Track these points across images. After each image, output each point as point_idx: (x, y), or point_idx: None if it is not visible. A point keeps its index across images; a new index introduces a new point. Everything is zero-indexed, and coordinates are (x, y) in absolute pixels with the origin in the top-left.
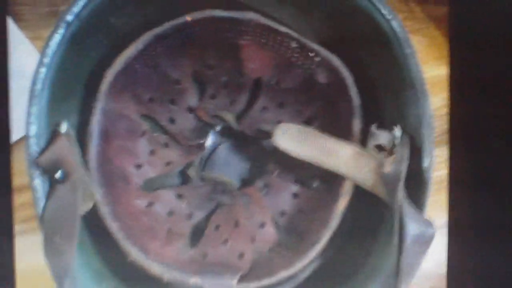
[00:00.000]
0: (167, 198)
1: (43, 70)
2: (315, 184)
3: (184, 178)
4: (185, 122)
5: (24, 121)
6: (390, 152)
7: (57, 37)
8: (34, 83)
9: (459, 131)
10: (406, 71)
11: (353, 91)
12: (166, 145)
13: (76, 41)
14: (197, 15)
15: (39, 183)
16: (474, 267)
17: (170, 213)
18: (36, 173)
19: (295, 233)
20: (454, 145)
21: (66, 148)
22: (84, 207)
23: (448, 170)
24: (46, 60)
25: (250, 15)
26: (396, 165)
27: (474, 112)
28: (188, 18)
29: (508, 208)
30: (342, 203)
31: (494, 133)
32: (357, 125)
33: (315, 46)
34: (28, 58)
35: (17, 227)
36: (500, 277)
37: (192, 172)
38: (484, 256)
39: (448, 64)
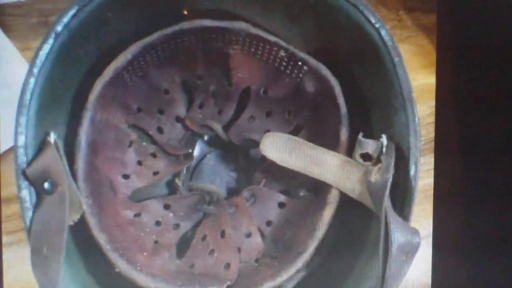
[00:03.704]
0: (154, 209)
1: (32, 80)
2: (302, 193)
3: (172, 188)
4: (173, 132)
5: (12, 131)
6: (377, 161)
7: (46, 48)
8: (23, 93)
9: (445, 139)
10: (394, 79)
11: (341, 100)
12: (153, 155)
13: (66, 52)
14: (186, 24)
15: (27, 194)
16: (459, 277)
17: (157, 223)
18: (24, 184)
19: (281, 243)
20: (440, 153)
21: (54, 158)
22: (72, 218)
23: (434, 179)
24: (35, 70)
25: (240, 25)
26: (382, 173)
27: (461, 121)
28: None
29: (493, 218)
30: (328, 212)
31: (481, 142)
32: (344, 133)
33: (303, 55)
34: (17, 68)
35: (5, 239)
36: (484, 287)
37: (179, 182)
38: (469, 266)
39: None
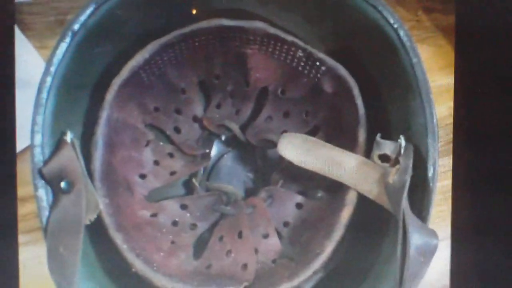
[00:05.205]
0: (171, 209)
1: (48, 79)
2: (319, 194)
3: (189, 188)
4: (190, 132)
5: (29, 130)
6: (395, 162)
7: (63, 46)
8: (39, 92)
9: (463, 141)
10: (412, 80)
11: (359, 100)
12: (170, 155)
13: (82, 50)
14: (204, 24)
15: (44, 193)
16: (478, 278)
17: (174, 223)
18: (41, 183)
19: (298, 244)
20: (458, 155)
21: (70, 157)
22: (88, 218)
23: (452, 181)
24: (52, 69)
25: (257, 24)
26: (400, 175)
27: (479, 122)
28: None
29: None
30: (346, 213)
31: (499, 144)
32: (362, 134)
33: (321, 55)
34: (34, 67)
35: (21, 238)
36: None
37: (196, 182)
38: (488, 267)
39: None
